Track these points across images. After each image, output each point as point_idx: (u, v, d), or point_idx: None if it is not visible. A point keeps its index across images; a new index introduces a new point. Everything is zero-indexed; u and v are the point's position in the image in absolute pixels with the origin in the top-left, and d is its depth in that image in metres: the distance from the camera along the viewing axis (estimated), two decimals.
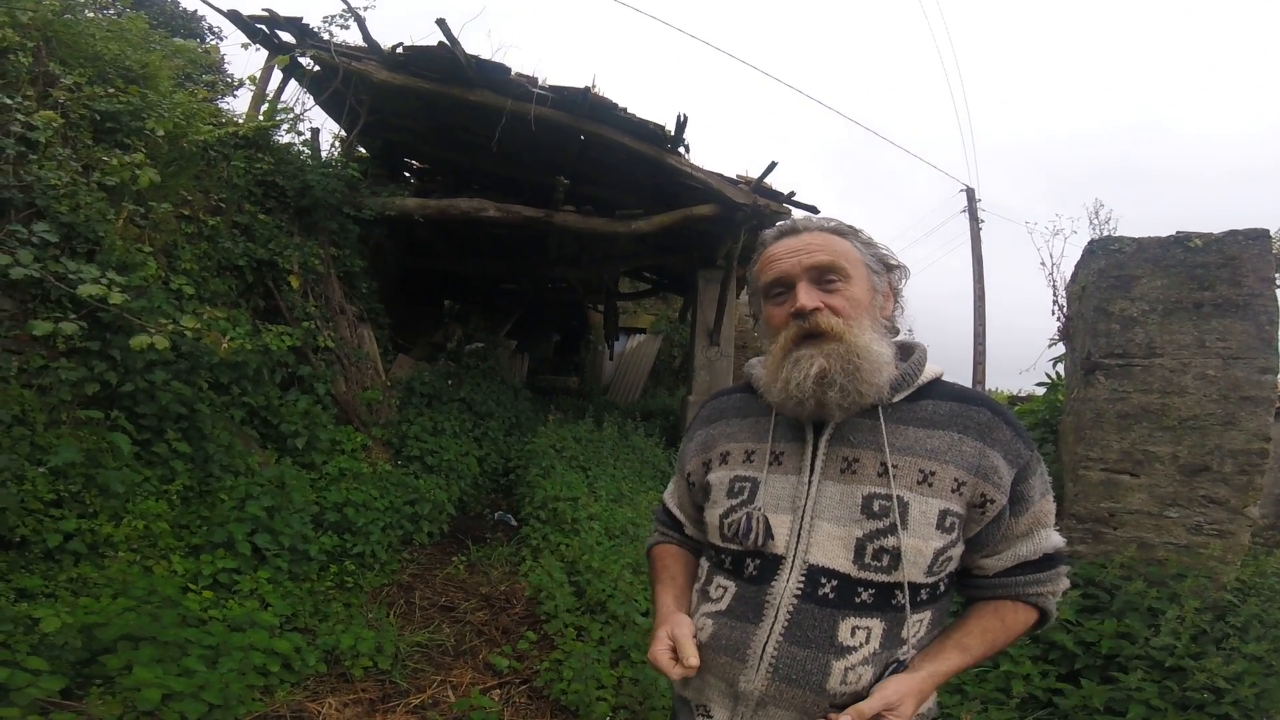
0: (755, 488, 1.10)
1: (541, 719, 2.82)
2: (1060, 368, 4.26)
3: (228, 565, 3.07)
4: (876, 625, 1.01)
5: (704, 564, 1.21)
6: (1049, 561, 1.10)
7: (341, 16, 5.86)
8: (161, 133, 3.85)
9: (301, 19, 5.89)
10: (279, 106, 5.90)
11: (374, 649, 3.00)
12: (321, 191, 5.26)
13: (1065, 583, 1.13)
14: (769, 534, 1.05)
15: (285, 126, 5.65)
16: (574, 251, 9.44)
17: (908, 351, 1.15)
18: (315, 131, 6.16)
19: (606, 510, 5.05)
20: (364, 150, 7.46)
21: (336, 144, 6.46)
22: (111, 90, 3.77)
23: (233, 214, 4.56)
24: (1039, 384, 4.49)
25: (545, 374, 13.57)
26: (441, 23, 5.39)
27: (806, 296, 1.07)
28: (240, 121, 5.27)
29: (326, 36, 5.98)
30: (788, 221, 1.18)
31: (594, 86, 6.00)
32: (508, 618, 3.79)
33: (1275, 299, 3.20)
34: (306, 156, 5.73)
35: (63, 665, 2.18)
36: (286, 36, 6.04)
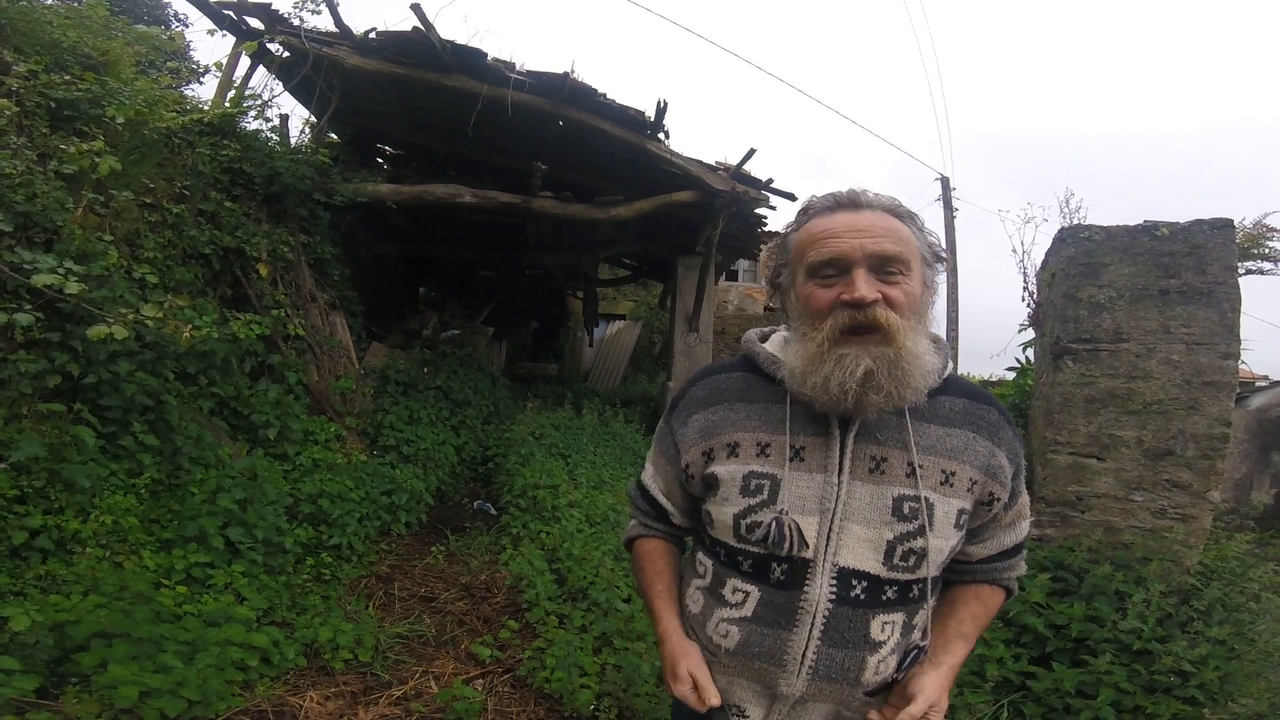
0: (776, 487, 1.04)
1: (525, 708, 2.82)
2: (1030, 353, 4.34)
3: (200, 559, 3.01)
4: (899, 618, 1.05)
5: (706, 560, 1.15)
6: (1017, 547, 1.18)
7: (312, 1, 5.72)
8: (122, 120, 3.72)
9: (270, 4, 5.72)
10: (246, 93, 5.75)
11: (354, 641, 2.98)
12: (290, 178, 5.14)
13: (1024, 565, 1.21)
14: (803, 542, 1.02)
15: (253, 113, 5.51)
16: (553, 238, 9.37)
17: (938, 348, 1.12)
18: (284, 118, 6.02)
19: (587, 497, 5.05)
20: (335, 136, 7.30)
21: (306, 130, 6.32)
22: (69, 77, 3.63)
23: (198, 201, 4.44)
24: (1009, 368, 4.57)
25: (524, 361, 13.47)
26: (416, 7, 5.28)
27: (866, 287, 0.97)
28: (206, 108, 5.12)
29: (296, 22, 5.81)
30: (843, 191, 1.05)
31: (573, 72, 5.92)
32: (489, 607, 3.79)
33: (1238, 287, 3.29)
34: (275, 143, 5.59)
35: (36, 664, 2.14)
36: (254, 22, 5.85)
